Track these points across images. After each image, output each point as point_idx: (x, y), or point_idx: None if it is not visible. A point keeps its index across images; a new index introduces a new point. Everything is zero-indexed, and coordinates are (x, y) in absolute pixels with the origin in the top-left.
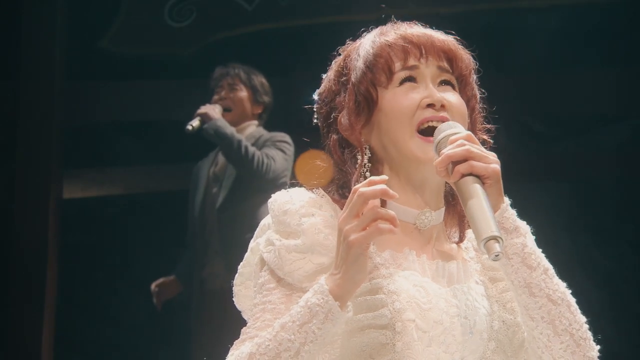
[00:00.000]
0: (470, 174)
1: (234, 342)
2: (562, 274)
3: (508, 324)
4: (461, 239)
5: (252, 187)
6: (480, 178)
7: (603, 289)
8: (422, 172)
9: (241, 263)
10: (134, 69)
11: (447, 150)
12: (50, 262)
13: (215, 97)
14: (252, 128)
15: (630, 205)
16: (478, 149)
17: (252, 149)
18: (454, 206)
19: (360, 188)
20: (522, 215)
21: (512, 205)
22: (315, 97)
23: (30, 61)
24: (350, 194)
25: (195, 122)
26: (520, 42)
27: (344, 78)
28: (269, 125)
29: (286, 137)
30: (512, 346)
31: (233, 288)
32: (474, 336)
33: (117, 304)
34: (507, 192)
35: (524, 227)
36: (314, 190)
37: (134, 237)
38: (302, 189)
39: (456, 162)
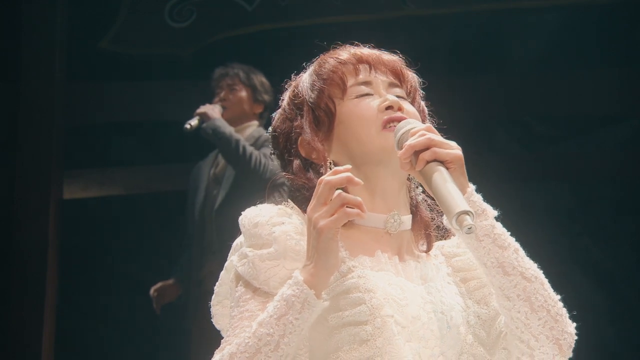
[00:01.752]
0: (434, 161)
1: (215, 352)
2: (562, 273)
3: (484, 318)
4: (429, 247)
5: (250, 188)
6: (443, 164)
7: (603, 289)
8: (386, 175)
9: (217, 283)
10: (134, 69)
11: (409, 141)
12: (50, 262)
13: (215, 98)
14: (253, 128)
15: (630, 205)
16: (439, 137)
17: (249, 149)
18: (419, 215)
19: (326, 177)
20: (522, 215)
21: (513, 205)
22: (270, 130)
23: (31, 61)
24: (317, 185)
25: (194, 121)
26: (520, 42)
27: (298, 100)
28: (269, 125)
29: None
30: (490, 338)
31: (211, 309)
32: (452, 330)
33: (117, 305)
34: (507, 192)
35: (491, 210)
36: (282, 203)
37: (134, 238)
38: (271, 204)
39: (419, 151)
